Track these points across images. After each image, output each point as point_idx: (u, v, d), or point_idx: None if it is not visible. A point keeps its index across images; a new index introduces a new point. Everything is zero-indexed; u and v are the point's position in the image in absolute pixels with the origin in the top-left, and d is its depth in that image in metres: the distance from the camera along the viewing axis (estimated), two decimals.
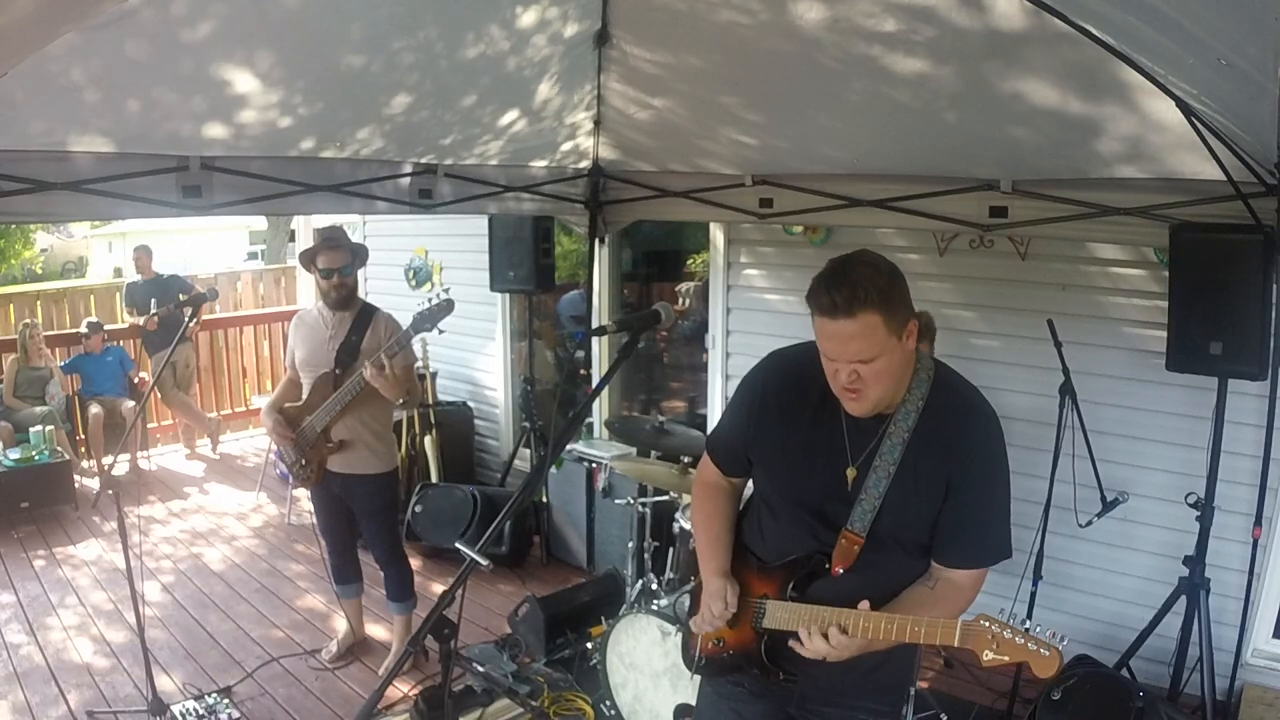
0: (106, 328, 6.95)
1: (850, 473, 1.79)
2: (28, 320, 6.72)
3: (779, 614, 1.85)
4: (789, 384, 1.88)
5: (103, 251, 26.74)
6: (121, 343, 7.18)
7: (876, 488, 1.75)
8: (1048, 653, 1.52)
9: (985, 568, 1.80)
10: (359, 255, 3.68)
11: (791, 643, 1.77)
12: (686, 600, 2.29)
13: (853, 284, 1.61)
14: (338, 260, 3.55)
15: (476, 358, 6.43)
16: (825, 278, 1.65)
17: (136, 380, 7.04)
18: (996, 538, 1.79)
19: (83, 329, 6.84)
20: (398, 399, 3.52)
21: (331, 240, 3.62)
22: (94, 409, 6.58)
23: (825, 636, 1.69)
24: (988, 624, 1.56)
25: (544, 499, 5.18)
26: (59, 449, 6.06)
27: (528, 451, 5.58)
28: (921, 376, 1.77)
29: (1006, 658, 1.54)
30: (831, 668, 1.75)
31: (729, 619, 1.91)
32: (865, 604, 1.70)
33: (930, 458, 1.74)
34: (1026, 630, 1.54)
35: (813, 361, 1.76)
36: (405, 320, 3.52)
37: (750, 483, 2.06)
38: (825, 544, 1.81)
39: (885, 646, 1.72)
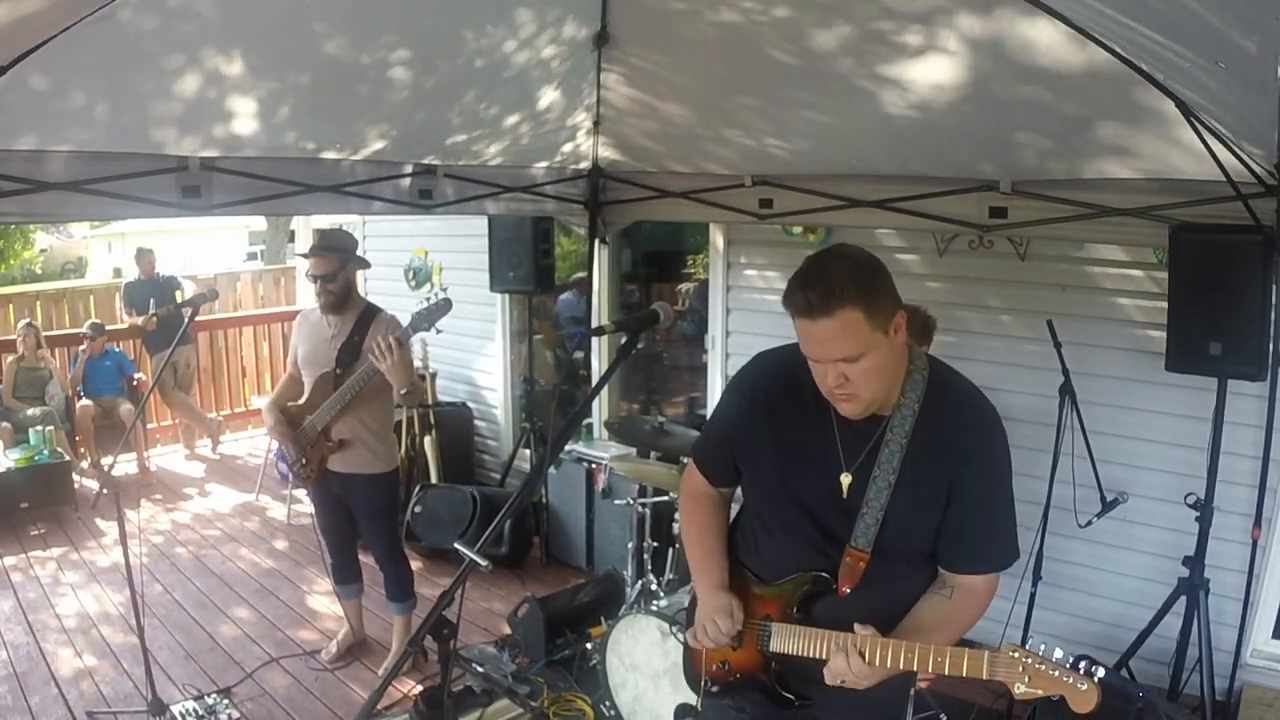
0: (107, 329, 6.94)
1: (845, 479, 1.71)
2: (29, 321, 6.72)
3: (785, 637, 1.78)
4: (779, 385, 1.79)
5: (102, 252, 26.72)
6: (121, 345, 7.17)
7: (878, 499, 1.67)
8: (1085, 686, 1.43)
9: (998, 571, 1.74)
10: (349, 262, 3.60)
11: (827, 678, 1.67)
12: (684, 617, 2.23)
13: (827, 280, 1.52)
14: (321, 268, 3.52)
15: (476, 358, 6.43)
16: (799, 277, 1.57)
17: (135, 382, 7.04)
18: (1006, 538, 1.73)
19: (85, 330, 6.84)
20: (404, 386, 3.45)
21: (318, 247, 3.58)
22: (83, 403, 6.58)
23: (848, 661, 1.62)
24: (1017, 655, 1.48)
25: (543, 499, 5.18)
26: (59, 449, 6.06)
27: (528, 452, 5.58)
28: (916, 377, 1.69)
29: (1040, 691, 1.46)
30: (845, 691, 1.67)
31: (734, 638, 1.82)
32: (870, 629, 1.63)
33: (930, 462, 1.66)
34: (1059, 661, 1.46)
35: (801, 362, 1.67)
36: (407, 322, 3.51)
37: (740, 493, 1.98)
38: (831, 560, 1.73)
39: (906, 671, 1.65)
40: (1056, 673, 1.45)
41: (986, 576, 1.74)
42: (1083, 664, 1.45)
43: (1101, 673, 1.45)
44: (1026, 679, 1.47)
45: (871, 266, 1.58)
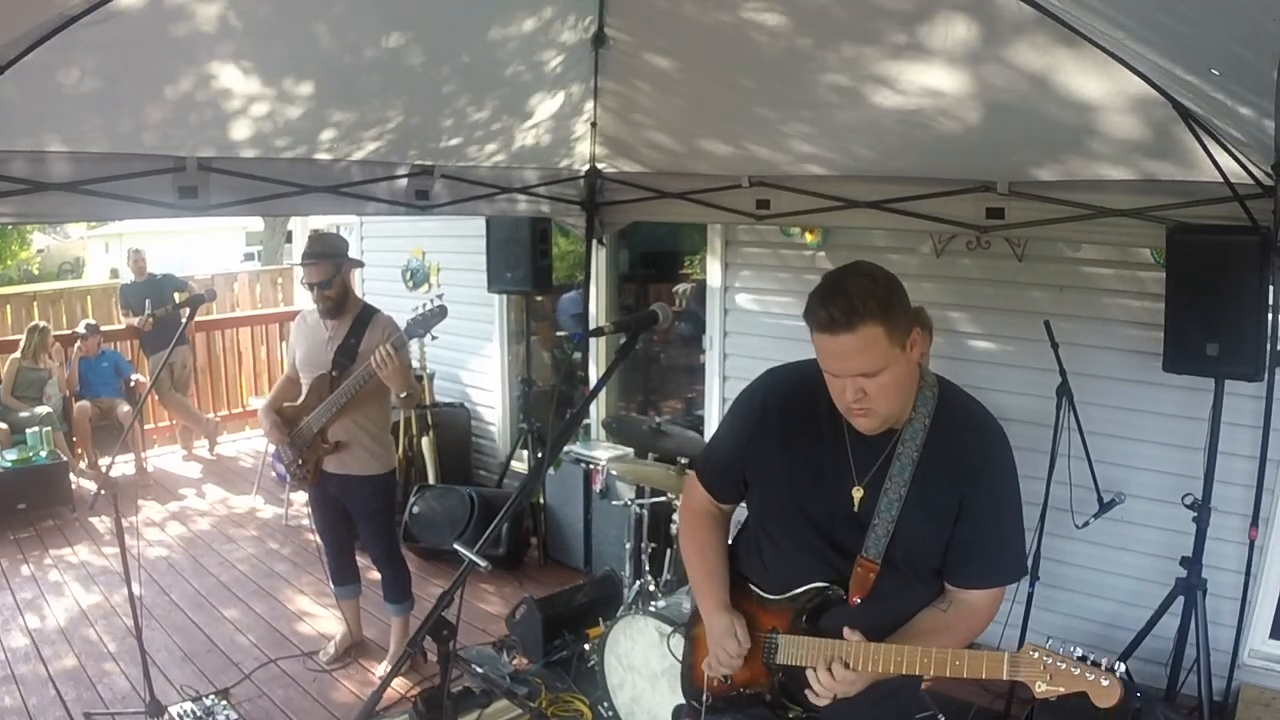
0: (102, 329, 6.94)
1: (857, 492, 1.72)
2: (41, 323, 6.70)
3: (794, 649, 1.78)
4: (791, 401, 1.81)
5: (99, 252, 26.63)
6: (117, 346, 7.16)
7: (889, 511, 1.69)
8: (1108, 681, 1.44)
9: (1002, 587, 1.75)
10: (342, 266, 3.58)
11: (807, 691, 1.70)
12: (681, 639, 2.21)
13: (849, 297, 1.55)
14: (314, 275, 3.52)
15: (474, 359, 6.43)
16: (820, 293, 1.59)
17: (133, 383, 7.03)
18: (1012, 555, 1.75)
19: (80, 329, 6.83)
20: (403, 390, 3.46)
21: (310, 254, 3.56)
22: (80, 404, 6.57)
23: (831, 672, 1.63)
24: (1038, 654, 1.50)
25: (541, 500, 5.18)
26: (56, 450, 6.04)
27: (525, 452, 5.57)
28: (927, 394, 1.72)
29: (1063, 689, 1.47)
30: (850, 701, 1.69)
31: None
32: (857, 634, 1.65)
33: (940, 477, 1.69)
34: (1081, 658, 1.47)
35: (813, 378, 1.70)
36: (405, 323, 3.51)
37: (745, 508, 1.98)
38: (841, 572, 1.74)
39: (909, 675, 1.66)
40: (1079, 670, 1.47)
41: (989, 592, 1.75)
42: (1104, 660, 1.47)
43: (1122, 668, 1.46)
44: (1049, 677, 1.49)
45: (890, 284, 1.61)
